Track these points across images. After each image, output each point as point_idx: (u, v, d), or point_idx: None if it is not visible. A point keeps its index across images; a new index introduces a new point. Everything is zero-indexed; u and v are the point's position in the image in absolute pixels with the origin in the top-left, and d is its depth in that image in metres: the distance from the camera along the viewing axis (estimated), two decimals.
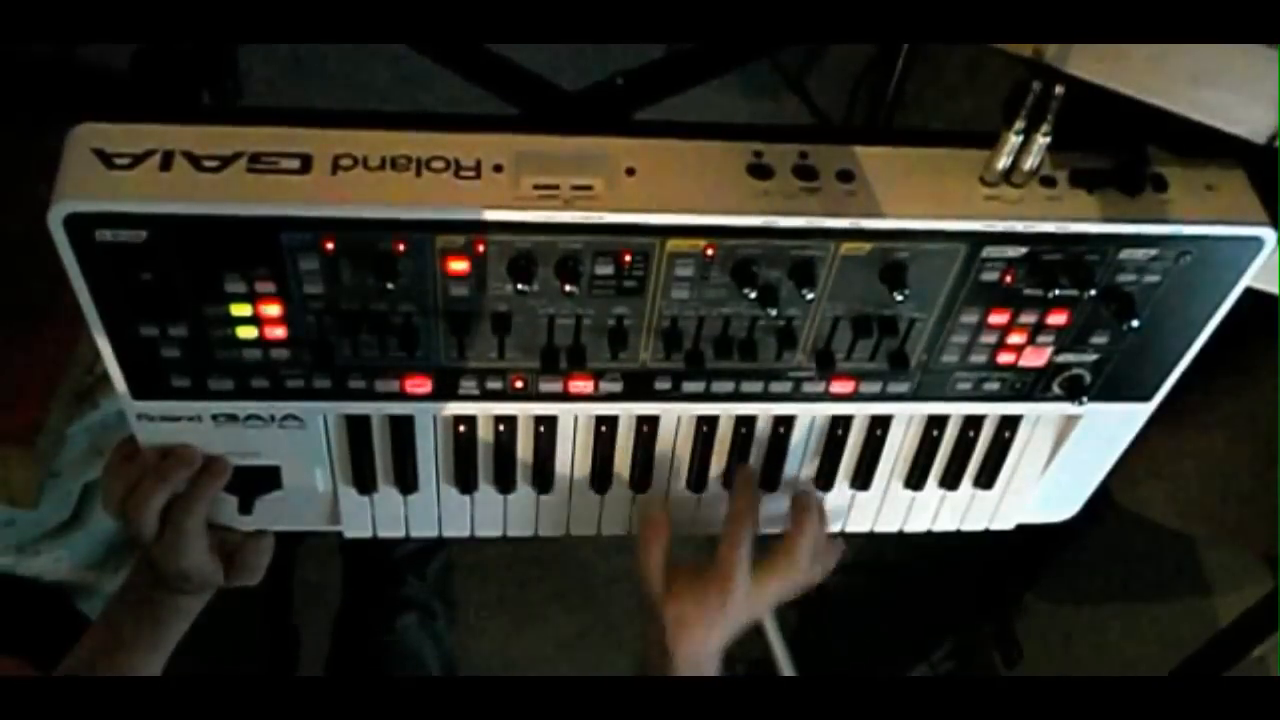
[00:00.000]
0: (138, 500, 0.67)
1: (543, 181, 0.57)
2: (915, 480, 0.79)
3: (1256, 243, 0.61)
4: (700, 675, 0.75)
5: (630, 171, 0.58)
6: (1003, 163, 0.59)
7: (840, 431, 0.75)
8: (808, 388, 0.69)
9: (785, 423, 0.74)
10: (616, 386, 0.67)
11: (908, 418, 0.75)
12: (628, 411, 0.72)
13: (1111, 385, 0.71)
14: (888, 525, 0.83)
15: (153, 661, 0.74)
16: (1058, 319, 0.66)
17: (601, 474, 0.76)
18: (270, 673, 1.38)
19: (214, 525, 0.71)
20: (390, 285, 0.58)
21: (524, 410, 0.70)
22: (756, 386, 0.68)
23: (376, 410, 0.70)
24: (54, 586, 1.11)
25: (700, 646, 0.73)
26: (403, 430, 0.71)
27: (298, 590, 1.45)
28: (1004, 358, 0.68)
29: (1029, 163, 0.59)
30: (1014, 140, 0.58)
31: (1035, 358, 0.68)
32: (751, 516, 0.74)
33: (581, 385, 0.67)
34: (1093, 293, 0.63)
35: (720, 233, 0.59)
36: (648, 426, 0.73)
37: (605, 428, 0.73)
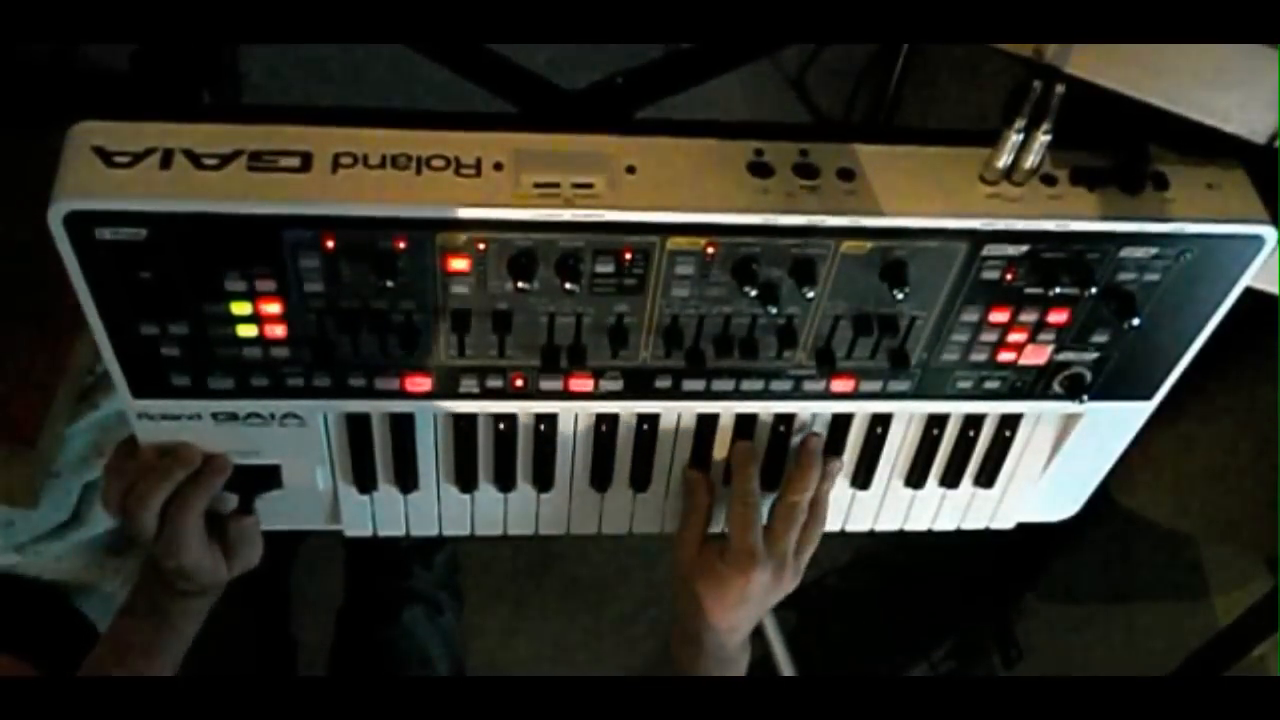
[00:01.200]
0: (137, 498, 0.67)
1: (543, 180, 0.57)
2: (916, 479, 0.79)
3: (1257, 241, 0.61)
4: (726, 656, 0.75)
5: (631, 170, 0.58)
6: (1003, 161, 0.59)
7: (841, 430, 0.75)
8: (808, 386, 0.69)
9: (785, 421, 0.74)
10: (617, 385, 0.67)
11: (908, 416, 0.75)
12: (628, 410, 0.72)
13: (1112, 384, 0.71)
14: (888, 524, 0.83)
15: (164, 666, 0.74)
16: (1058, 317, 0.66)
17: (602, 473, 0.76)
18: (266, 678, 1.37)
19: (210, 516, 0.71)
20: (390, 283, 0.58)
21: (524, 409, 0.70)
22: (757, 385, 0.68)
23: (377, 409, 0.70)
24: (54, 586, 1.11)
25: (725, 635, 0.74)
26: (403, 429, 0.71)
27: (299, 587, 1.45)
28: (1004, 356, 0.68)
29: (1030, 161, 0.59)
30: (1015, 139, 0.58)
31: (1036, 356, 0.68)
32: (754, 492, 0.73)
33: (582, 384, 0.67)
34: (1093, 291, 0.63)
35: (721, 231, 0.59)
36: (648, 425, 0.73)
37: (606, 426, 0.73)
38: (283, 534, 0.76)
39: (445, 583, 1.30)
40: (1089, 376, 0.70)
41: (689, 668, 0.75)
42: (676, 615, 0.76)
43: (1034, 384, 0.70)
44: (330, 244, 0.57)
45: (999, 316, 0.65)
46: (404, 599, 1.22)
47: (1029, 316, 0.65)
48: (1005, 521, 0.84)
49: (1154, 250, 0.62)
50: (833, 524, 0.81)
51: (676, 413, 0.73)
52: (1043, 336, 0.67)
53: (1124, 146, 0.63)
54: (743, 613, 0.74)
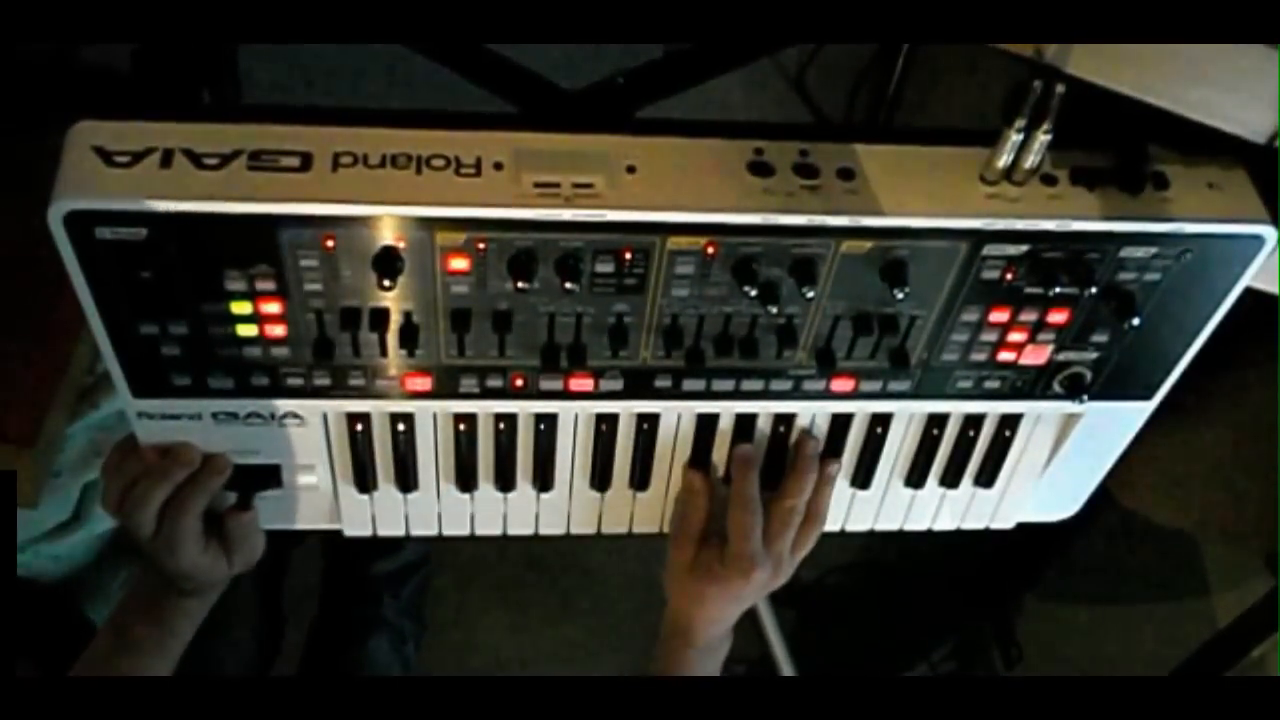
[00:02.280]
0: (136, 499, 0.67)
1: (543, 179, 0.57)
2: (915, 479, 0.79)
3: (1257, 241, 0.61)
4: (712, 643, 0.77)
5: (631, 169, 0.58)
6: (1004, 161, 0.59)
7: (840, 430, 0.75)
8: (808, 386, 0.69)
9: (785, 421, 0.74)
10: (617, 385, 0.67)
11: (908, 416, 0.75)
12: (628, 410, 0.72)
13: (1112, 384, 0.71)
14: (888, 524, 0.83)
15: (162, 665, 0.74)
16: (1058, 317, 0.66)
17: (602, 472, 0.76)
18: (257, 646, 1.37)
19: (208, 515, 0.71)
20: (390, 283, 0.58)
21: (524, 408, 0.70)
22: (757, 385, 0.68)
23: (377, 408, 0.70)
24: (54, 586, 1.11)
25: (716, 626, 0.76)
26: (403, 428, 0.71)
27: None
28: (1004, 356, 0.68)
29: (1030, 161, 0.59)
30: (1015, 138, 0.58)
31: (1036, 356, 0.68)
32: (754, 497, 0.73)
33: (582, 383, 0.67)
34: (1093, 291, 0.63)
35: (721, 230, 0.59)
36: (648, 425, 0.73)
37: (605, 426, 0.73)
38: (282, 533, 0.76)
39: (411, 612, 1.33)
40: (1089, 376, 0.70)
41: (675, 653, 0.77)
42: (669, 605, 0.77)
43: (1034, 384, 0.70)
44: (330, 243, 0.57)
45: (999, 316, 0.65)
46: (371, 627, 1.26)
47: (1029, 316, 0.65)
48: (1005, 521, 0.84)
49: (1154, 250, 0.62)
50: (833, 524, 0.81)
51: (676, 413, 0.73)
52: (1043, 336, 0.67)
53: (1124, 146, 0.63)
54: (735, 608, 0.76)
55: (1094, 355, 0.69)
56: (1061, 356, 0.69)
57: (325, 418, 0.70)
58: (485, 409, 0.70)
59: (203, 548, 0.70)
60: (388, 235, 0.57)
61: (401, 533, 0.78)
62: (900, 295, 0.61)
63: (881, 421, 0.75)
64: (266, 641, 1.23)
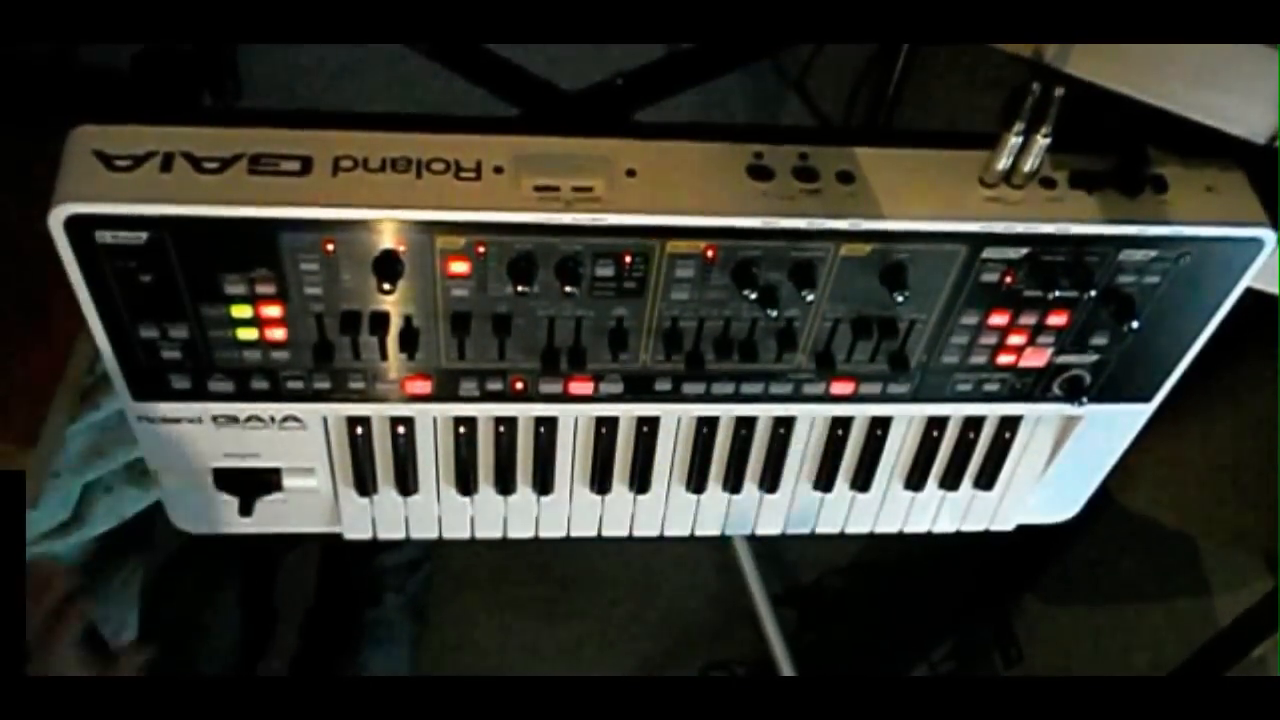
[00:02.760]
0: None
1: (543, 183, 0.57)
2: (915, 481, 0.79)
3: (1256, 244, 0.62)
4: None
5: (631, 173, 0.58)
6: (1003, 164, 0.59)
7: (840, 432, 0.75)
8: (808, 389, 0.69)
9: (785, 424, 0.74)
10: (617, 388, 0.67)
11: (908, 419, 0.75)
12: (628, 413, 0.72)
13: (1111, 386, 0.71)
14: (888, 526, 0.83)
15: None
16: (1058, 320, 0.66)
17: (602, 475, 0.76)
18: (241, 641, 1.36)
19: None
20: (390, 286, 0.58)
21: (524, 412, 0.70)
22: (757, 388, 0.68)
23: (377, 412, 0.70)
24: None
25: None
26: (403, 432, 0.71)
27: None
28: (1004, 359, 0.68)
29: (1029, 164, 0.59)
30: (1014, 141, 0.58)
31: (1035, 359, 0.68)
32: None
33: (582, 386, 0.67)
34: (1093, 294, 0.63)
35: (720, 234, 0.59)
36: (648, 428, 0.73)
37: (605, 429, 0.73)
38: (278, 536, 0.77)
39: (413, 608, 1.31)
40: (1088, 379, 0.70)
41: None
42: None
43: (1033, 386, 0.70)
44: (330, 247, 0.57)
45: (998, 319, 0.65)
46: (370, 630, 1.23)
47: (1028, 319, 0.65)
48: (1005, 523, 0.84)
49: (1153, 253, 0.62)
50: (833, 526, 0.81)
51: (676, 416, 0.73)
52: (1042, 339, 0.67)
53: (1123, 149, 0.63)
54: None
55: (1093, 358, 0.69)
56: (1061, 359, 0.69)
57: (325, 421, 0.70)
58: (485, 412, 0.70)
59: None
60: (388, 239, 0.57)
61: (401, 535, 0.78)
62: (900, 298, 0.61)
63: (881, 424, 0.75)
64: (251, 637, 1.22)
